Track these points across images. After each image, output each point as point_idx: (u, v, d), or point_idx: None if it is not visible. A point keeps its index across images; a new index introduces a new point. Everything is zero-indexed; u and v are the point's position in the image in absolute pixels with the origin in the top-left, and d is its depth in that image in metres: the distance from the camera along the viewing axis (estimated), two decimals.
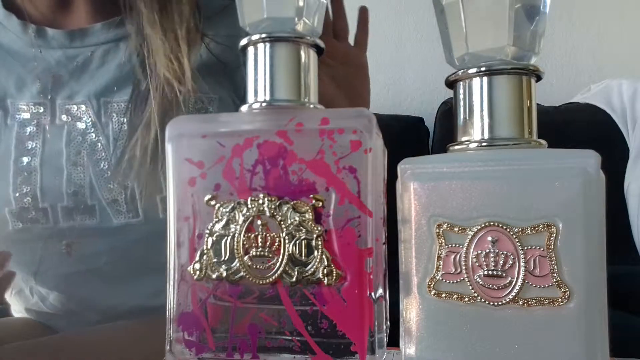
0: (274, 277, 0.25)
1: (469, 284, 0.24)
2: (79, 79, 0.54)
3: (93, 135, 0.53)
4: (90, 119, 0.53)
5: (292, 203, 0.25)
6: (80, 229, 0.52)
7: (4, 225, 0.52)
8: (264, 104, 0.26)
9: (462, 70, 0.25)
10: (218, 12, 0.58)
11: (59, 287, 0.56)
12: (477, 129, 0.25)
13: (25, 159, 0.52)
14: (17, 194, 0.51)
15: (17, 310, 0.62)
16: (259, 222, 0.25)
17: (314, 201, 0.25)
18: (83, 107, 0.53)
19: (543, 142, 0.25)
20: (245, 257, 0.25)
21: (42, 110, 0.53)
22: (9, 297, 0.62)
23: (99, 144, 0.53)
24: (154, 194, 0.52)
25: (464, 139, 0.26)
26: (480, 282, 0.24)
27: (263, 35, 0.26)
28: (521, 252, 0.23)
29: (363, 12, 0.55)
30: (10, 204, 0.51)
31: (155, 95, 0.49)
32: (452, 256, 0.24)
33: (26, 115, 0.53)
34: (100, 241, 0.53)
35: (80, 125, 0.53)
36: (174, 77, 0.49)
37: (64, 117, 0.53)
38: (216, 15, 0.58)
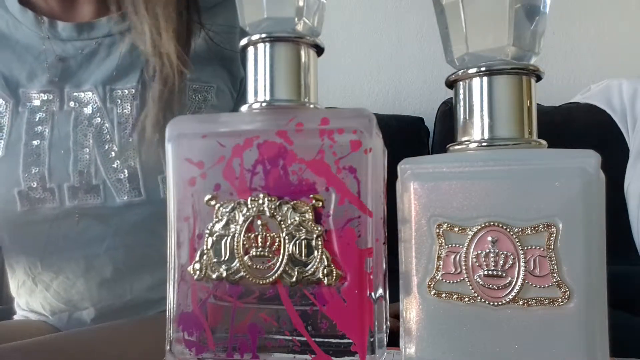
0: (274, 277, 0.25)
1: (469, 284, 0.24)
2: (87, 68, 0.57)
3: (99, 119, 0.56)
4: (96, 104, 0.56)
5: (292, 203, 0.25)
6: (85, 208, 0.55)
7: (13, 206, 0.54)
8: (264, 104, 0.26)
9: (462, 70, 0.25)
10: (216, 3, 0.61)
11: (64, 271, 0.57)
12: (477, 129, 0.25)
13: (35, 142, 0.55)
14: (26, 175, 0.54)
15: (22, 304, 0.63)
16: (259, 222, 0.25)
17: (314, 201, 0.25)
18: (90, 94, 0.56)
19: (543, 142, 0.25)
20: (245, 257, 0.25)
21: (51, 97, 0.56)
22: (15, 290, 0.63)
23: (105, 127, 0.56)
24: (155, 174, 0.55)
25: (464, 139, 0.26)
26: (480, 282, 0.24)
27: (263, 35, 0.26)
28: (521, 252, 0.23)
29: None
30: (19, 184, 0.54)
31: (160, 78, 0.53)
32: (452, 256, 0.24)
33: (36, 103, 0.56)
34: (104, 222, 0.56)
35: (87, 111, 0.56)
36: (180, 60, 0.52)
37: (71, 104, 0.56)
38: (214, 6, 0.61)
